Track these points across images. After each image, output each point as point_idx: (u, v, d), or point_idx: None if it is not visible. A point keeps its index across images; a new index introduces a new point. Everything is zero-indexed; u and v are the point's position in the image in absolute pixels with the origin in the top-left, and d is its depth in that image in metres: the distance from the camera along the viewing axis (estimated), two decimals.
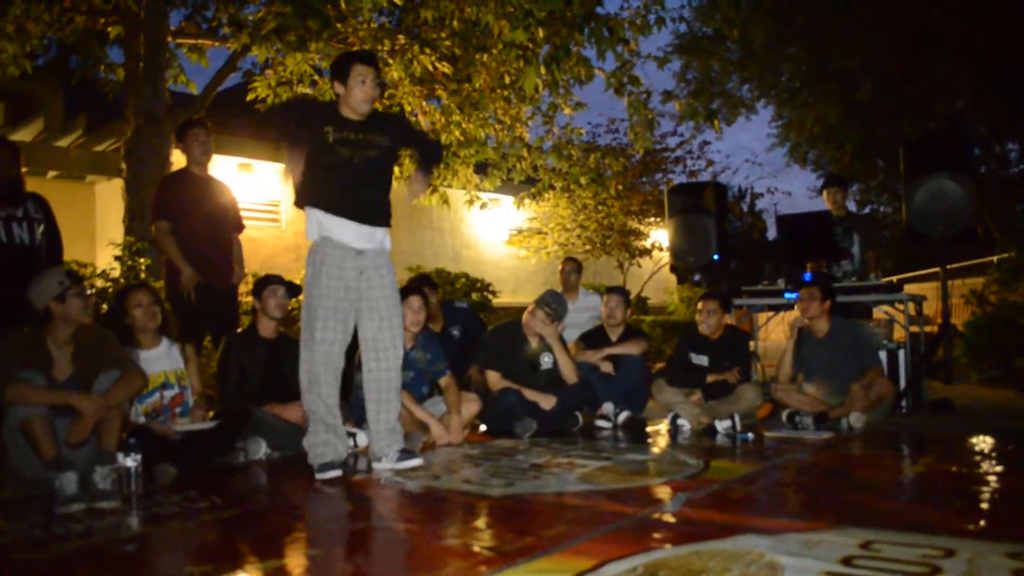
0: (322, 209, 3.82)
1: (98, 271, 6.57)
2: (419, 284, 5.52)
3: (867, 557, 2.28)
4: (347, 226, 3.84)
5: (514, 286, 14.16)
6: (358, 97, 3.82)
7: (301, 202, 3.90)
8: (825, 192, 6.97)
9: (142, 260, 6.47)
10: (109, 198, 11.23)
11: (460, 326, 6.02)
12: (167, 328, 4.41)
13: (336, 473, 3.73)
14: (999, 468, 3.76)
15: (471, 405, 4.92)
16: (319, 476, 3.70)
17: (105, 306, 5.39)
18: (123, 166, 8.04)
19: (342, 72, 3.84)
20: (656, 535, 2.60)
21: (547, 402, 5.09)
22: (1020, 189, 18.88)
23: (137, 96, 8.00)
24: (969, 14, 14.98)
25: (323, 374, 3.79)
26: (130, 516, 3.08)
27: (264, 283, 4.72)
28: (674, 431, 5.13)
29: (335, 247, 3.83)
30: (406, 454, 3.93)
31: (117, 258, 6.51)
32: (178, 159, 6.35)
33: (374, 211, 3.93)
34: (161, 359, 4.24)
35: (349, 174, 3.83)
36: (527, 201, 11.34)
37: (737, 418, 4.99)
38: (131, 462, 3.36)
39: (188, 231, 4.96)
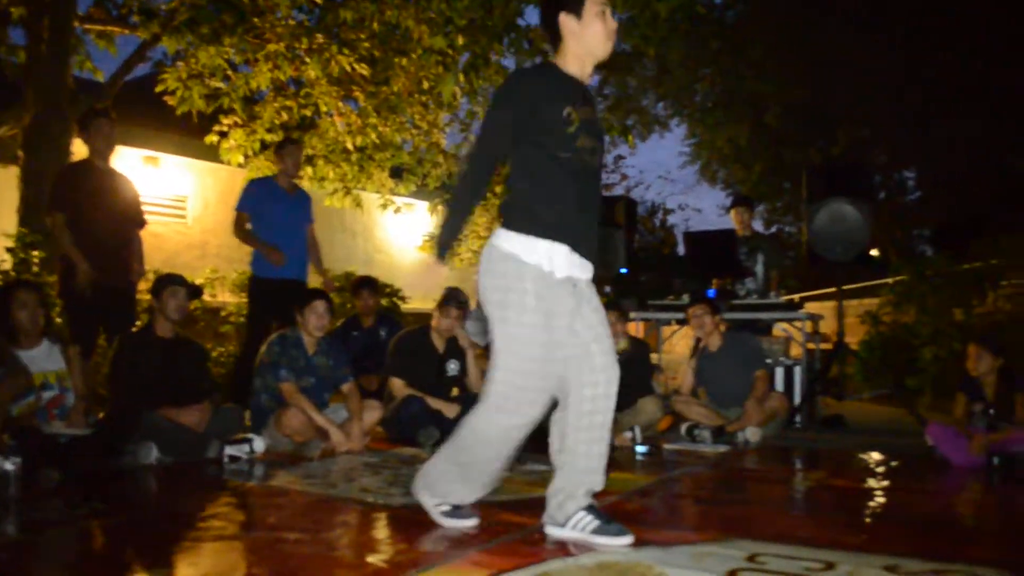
0: (553, 239, 2.71)
1: None
2: (363, 285, 6.32)
3: (752, 570, 2.34)
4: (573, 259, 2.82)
5: (424, 292, 14.07)
6: (600, 35, 2.62)
7: (520, 225, 2.67)
8: (733, 211, 7.15)
9: (35, 253, 6.23)
10: (3, 187, 10.72)
11: (387, 327, 6.18)
12: (50, 328, 4.22)
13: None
14: (884, 484, 3.92)
15: (372, 412, 4.89)
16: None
17: None
18: (20, 154, 7.70)
19: (575, 1, 2.61)
20: (551, 546, 2.61)
21: (450, 411, 5.07)
22: (916, 215, 19.78)
23: (38, 81, 7.66)
24: (875, 45, 15.66)
25: None
26: (7, 522, 2.94)
27: (165, 283, 4.51)
28: None
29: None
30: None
31: (9, 250, 6.28)
32: (79, 149, 6.13)
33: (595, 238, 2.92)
34: (41, 359, 4.06)
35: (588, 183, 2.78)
36: (441, 208, 11.32)
37: (638, 430, 5.07)
38: (10, 465, 3.21)
39: (86, 225, 4.79)
